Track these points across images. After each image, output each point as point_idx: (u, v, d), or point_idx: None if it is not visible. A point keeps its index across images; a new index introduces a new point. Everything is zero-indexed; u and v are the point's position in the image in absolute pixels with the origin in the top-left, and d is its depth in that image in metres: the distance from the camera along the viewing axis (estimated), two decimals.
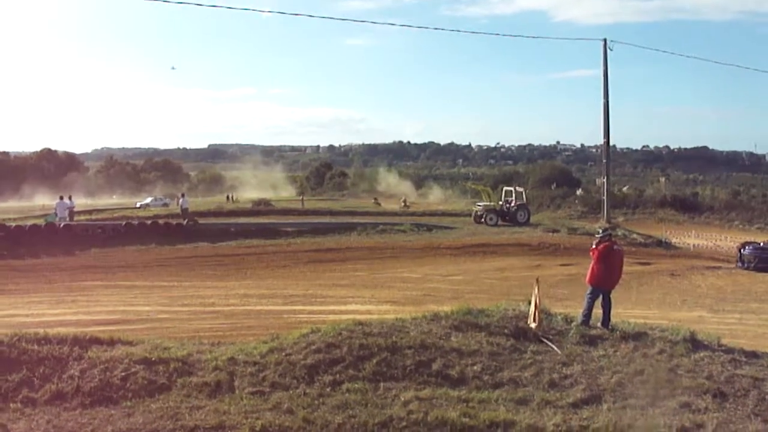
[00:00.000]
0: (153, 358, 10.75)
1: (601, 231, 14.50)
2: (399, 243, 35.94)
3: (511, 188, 49.29)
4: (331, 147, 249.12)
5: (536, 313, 12.83)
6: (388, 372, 10.80)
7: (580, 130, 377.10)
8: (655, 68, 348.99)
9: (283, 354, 11.08)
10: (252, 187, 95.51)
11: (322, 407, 9.63)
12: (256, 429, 8.92)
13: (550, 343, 12.23)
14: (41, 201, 73.00)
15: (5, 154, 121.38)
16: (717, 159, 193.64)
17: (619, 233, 36.29)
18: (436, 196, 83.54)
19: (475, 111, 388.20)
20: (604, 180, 46.98)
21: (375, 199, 75.07)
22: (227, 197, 79.53)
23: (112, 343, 11.49)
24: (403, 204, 66.03)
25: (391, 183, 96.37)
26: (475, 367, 11.09)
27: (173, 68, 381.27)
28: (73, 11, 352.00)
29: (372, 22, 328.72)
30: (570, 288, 22.34)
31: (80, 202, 58.95)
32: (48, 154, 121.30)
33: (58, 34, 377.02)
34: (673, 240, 39.63)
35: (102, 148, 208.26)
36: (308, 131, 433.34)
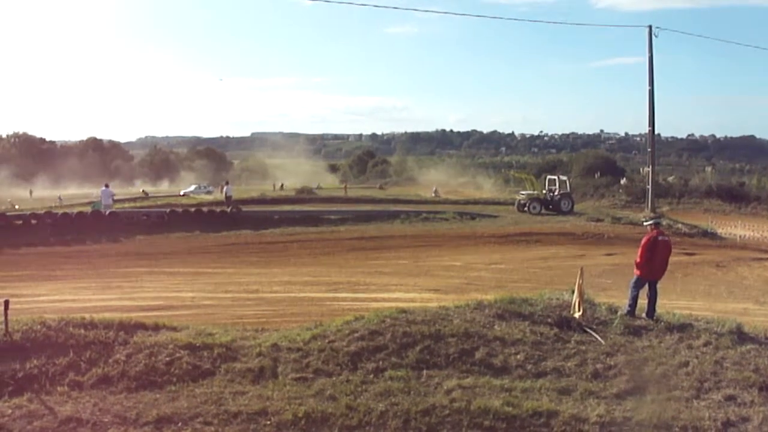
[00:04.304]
0: (197, 344, 10.84)
1: (650, 220, 14.39)
2: (442, 231, 35.93)
3: (555, 177, 48.96)
4: (373, 135, 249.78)
5: (580, 303, 12.76)
6: (431, 360, 10.81)
7: (623, 119, 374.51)
8: (700, 55, 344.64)
9: (327, 341, 11.13)
10: (295, 175, 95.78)
11: (365, 394, 9.65)
12: (298, 415, 8.97)
13: (593, 333, 12.16)
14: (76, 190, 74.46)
15: (52, 143, 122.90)
16: (764, 148, 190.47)
17: (664, 223, 35.80)
18: (477, 185, 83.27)
19: (518, 99, 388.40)
20: (649, 169, 46.43)
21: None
22: (281, 186, 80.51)
23: (156, 328, 11.62)
24: (434, 193, 66.89)
25: (426, 172, 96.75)
26: (518, 356, 11.06)
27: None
28: (118, 3, 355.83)
29: (415, 10, 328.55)
30: (614, 278, 22.11)
31: (122, 190, 59.67)
32: (94, 143, 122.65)
33: (103, 25, 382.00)
34: (719, 230, 39.02)
35: (146, 137, 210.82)
36: (351, 119, 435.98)
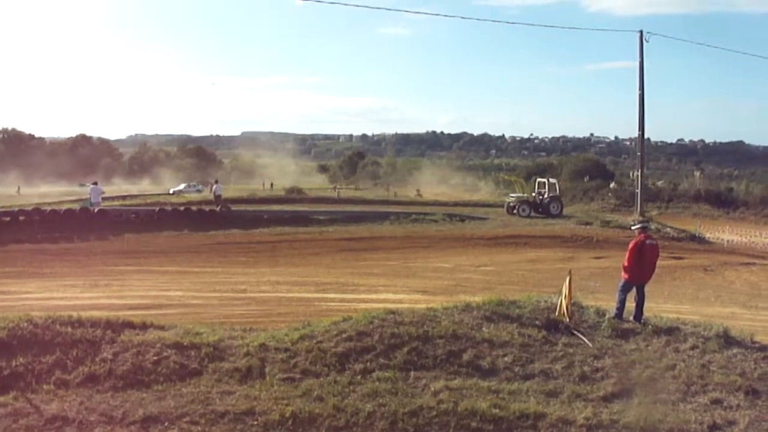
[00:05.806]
0: (185, 343, 10.80)
1: (637, 224, 14.40)
2: (431, 233, 36.00)
3: (545, 180, 49.07)
4: (364, 136, 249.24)
5: (568, 306, 12.77)
6: (419, 361, 10.80)
7: (614, 123, 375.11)
8: (690, 60, 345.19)
9: (314, 341, 11.10)
10: (284, 175, 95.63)
11: (353, 395, 9.64)
12: (286, 415, 8.96)
13: (581, 336, 12.17)
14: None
15: (41, 139, 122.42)
16: (753, 154, 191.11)
17: (653, 227, 35.89)
18: (468, 187, 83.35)
19: (509, 102, 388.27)
20: (638, 173, 46.57)
21: (417, 190, 75.37)
22: (270, 185, 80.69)
23: (144, 327, 11.55)
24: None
25: (416, 173, 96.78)
26: (506, 358, 11.07)
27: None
28: (112, 1, 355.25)
29: (407, 11, 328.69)
30: (602, 281, 22.19)
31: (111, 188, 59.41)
32: (83, 140, 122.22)
33: (93, 21, 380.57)
34: (707, 235, 39.22)
35: (136, 135, 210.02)
36: (341, 120, 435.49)
